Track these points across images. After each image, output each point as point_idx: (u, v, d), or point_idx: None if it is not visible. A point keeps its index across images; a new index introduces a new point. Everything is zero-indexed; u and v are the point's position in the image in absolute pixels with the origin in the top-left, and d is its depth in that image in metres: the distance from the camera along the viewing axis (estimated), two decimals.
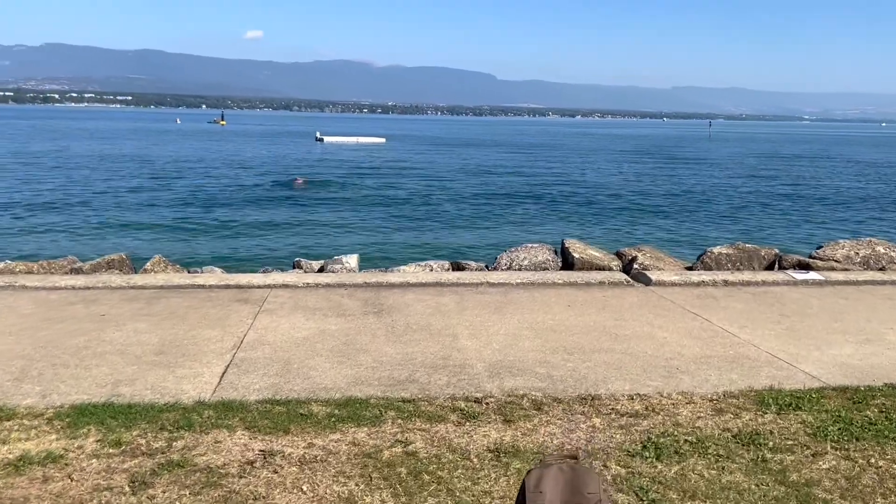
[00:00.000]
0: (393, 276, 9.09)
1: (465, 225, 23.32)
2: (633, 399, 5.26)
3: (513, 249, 10.36)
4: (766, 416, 4.97)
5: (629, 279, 9.32)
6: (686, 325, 7.38)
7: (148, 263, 9.42)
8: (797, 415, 5.00)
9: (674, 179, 43.82)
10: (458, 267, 10.25)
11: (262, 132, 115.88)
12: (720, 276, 9.52)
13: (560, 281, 9.12)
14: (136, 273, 9.38)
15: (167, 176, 38.36)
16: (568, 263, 9.97)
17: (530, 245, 10.45)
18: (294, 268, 10.34)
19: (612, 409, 5.07)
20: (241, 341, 6.45)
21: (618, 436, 4.60)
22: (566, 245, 10.21)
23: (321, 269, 10.02)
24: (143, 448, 4.27)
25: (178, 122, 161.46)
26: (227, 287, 8.57)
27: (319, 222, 23.40)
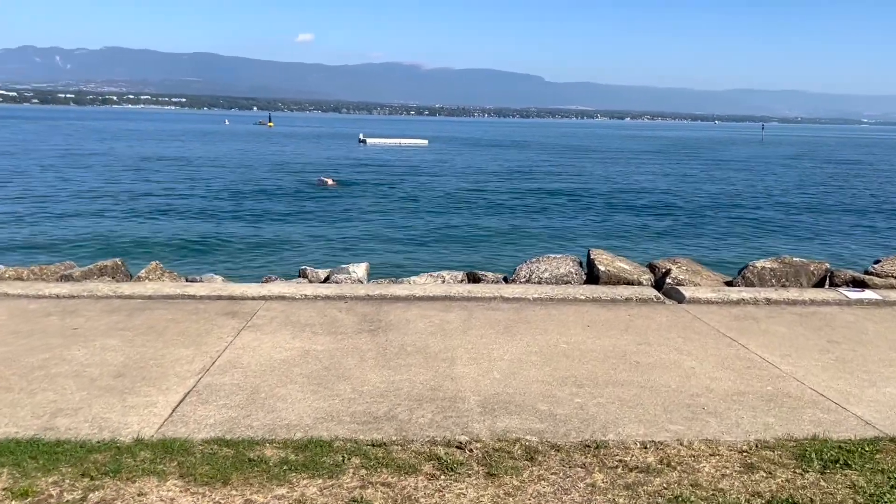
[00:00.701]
0: (398, 289, 8.38)
1: (493, 231, 22.44)
2: (646, 448, 4.44)
3: (533, 260, 9.56)
4: (806, 475, 4.10)
5: (659, 295, 8.43)
6: (719, 351, 6.50)
7: (143, 270, 8.90)
8: (846, 475, 4.12)
9: (720, 184, 42.22)
10: (473, 278, 9.49)
11: (307, 134, 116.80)
12: (762, 293, 8.56)
13: (582, 296, 8.29)
14: (129, 280, 8.88)
15: (202, 177, 38.42)
16: (593, 276, 9.13)
17: (553, 256, 9.63)
18: (299, 276, 9.73)
19: (620, 460, 4.26)
20: (213, 363, 5.82)
21: (621, 499, 3.79)
22: (592, 256, 9.36)
23: (327, 279, 9.38)
24: (52, 500, 3.63)
25: (227, 123, 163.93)
26: (219, 298, 7.98)
27: (341, 225, 22.89)
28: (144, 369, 5.63)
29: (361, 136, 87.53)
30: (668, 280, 9.07)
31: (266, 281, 9.49)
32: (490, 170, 49.16)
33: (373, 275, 9.90)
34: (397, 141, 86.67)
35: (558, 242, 20.31)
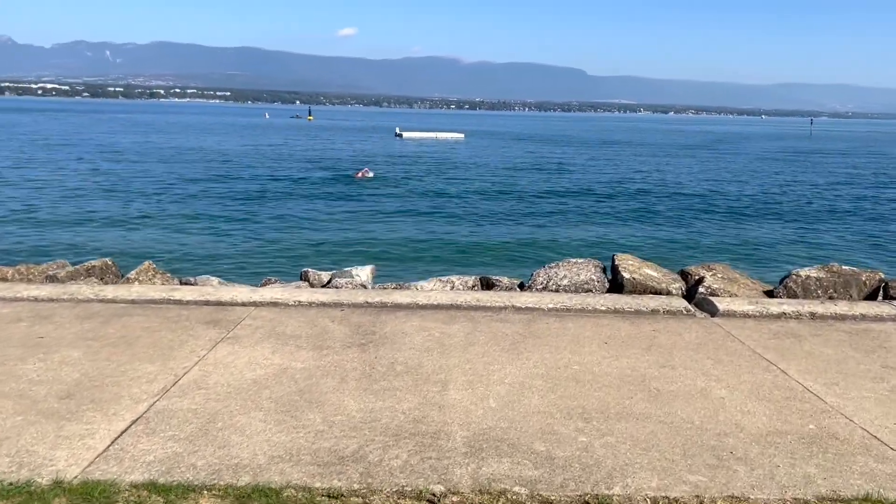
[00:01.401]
0: (401, 295, 7.69)
1: (519, 231, 21.51)
2: None
3: (552, 265, 8.78)
4: None
5: (689, 307, 7.59)
6: (754, 377, 5.67)
7: (133, 272, 8.38)
8: None
9: (765, 182, 40.60)
10: (486, 284, 8.76)
11: (346, 127, 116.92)
12: (806, 306, 7.66)
13: (602, 307, 7.50)
14: (119, 280, 8.36)
15: (232, 169, 38.27)
16: (616, 284, 8.32)
17: (574, 260, 8.84)
18: (300, 279, 9.11)
19: None
20: (176, 382, 5.21)
21: None
22: (616, 262, 8.55)
23: (329, 282, 8.75)
24: None
25: (267, 116, 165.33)
26: (206, 304, 7.40)
27: (362, 222, 22.26)
28: (98, 389, 5.04)
29: (398, 130, 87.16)
30: (701, 289, 8.22)
31: (265, 283, 8.91)
32: (524, 165, 48.20)
33: (381, 278, 9.26)
34: (434, 135, 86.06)
35: (586, 243, 19.36)
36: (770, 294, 8.55)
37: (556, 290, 8.25)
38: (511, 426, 4.62)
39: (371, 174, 35.69)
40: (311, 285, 8.83)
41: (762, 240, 21.93)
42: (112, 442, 4.22)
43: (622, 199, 30.93)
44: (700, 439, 4.51)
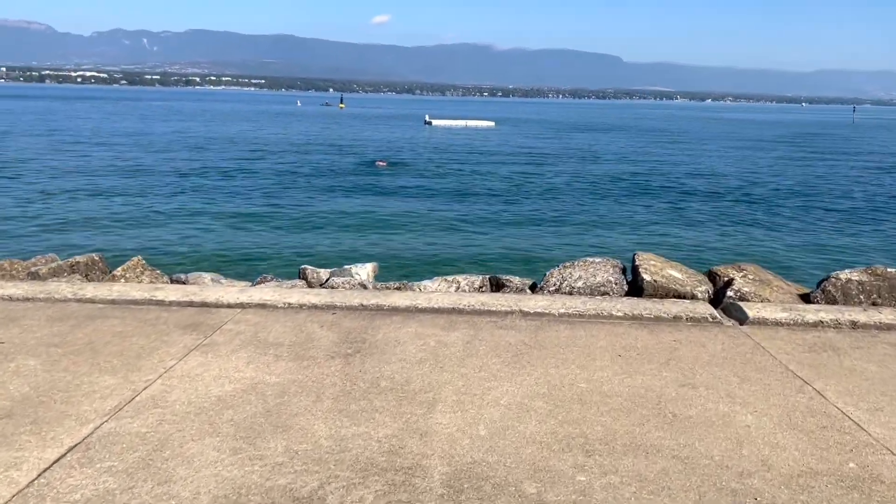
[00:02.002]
0: (399, 297, 7.11)
1: (540, 224, 20.67)
2: None
3: (567, 264, 8.12)
4: None
5: (715, 314, 6.89)
6: (786, 400, 4.98)
7: (119, 268, 7.92)
8: None
9: (804, 173, 39.11)
10: (495, 284, 8.14)
11: (377, 115, 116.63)
12: (846, 313, 6.90)
13: (618, 313, 6.84)
14: (105, 277, 7.92)
15: (255, 158, 38.02)
16: (636, 287, 7.64)
17: (591, 260, 8.16)
18: (299, 276, 8.59)
19: None
20: (133, 398, 4.70)
21: None
22: (637, 262, 7.86)
23: (327, 281, 8.21)
24: None
25: (299, 104, 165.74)
26: (190, 304, 6.90)
27: (375, 213, 21.65)
28: (45, 406, 4.55)
29: (427, 118, 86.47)
30: (730, 293, 7.50)
31: (260, 281, 8.40)
32: (553, 153, 47.28)
33: (386, 275, 8.69)
34: (463, 122, 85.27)
35: (609, 240, 18.46)
36: (806, 299, 7.79)
37: (570, 293, 7.60)
38: (500, 460, 4.02)
39: (384, 163, 35.39)
40: (310, 284, 8.30)
41: (797, 235, 20.88)
42: (39, 475, 3.71)
43: (654, 191, 29.90)
44: (719, 480, 3.87)
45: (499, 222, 21.52)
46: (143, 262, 8.16)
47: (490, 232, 19.71)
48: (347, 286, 7.70)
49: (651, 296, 7.44)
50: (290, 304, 6.93)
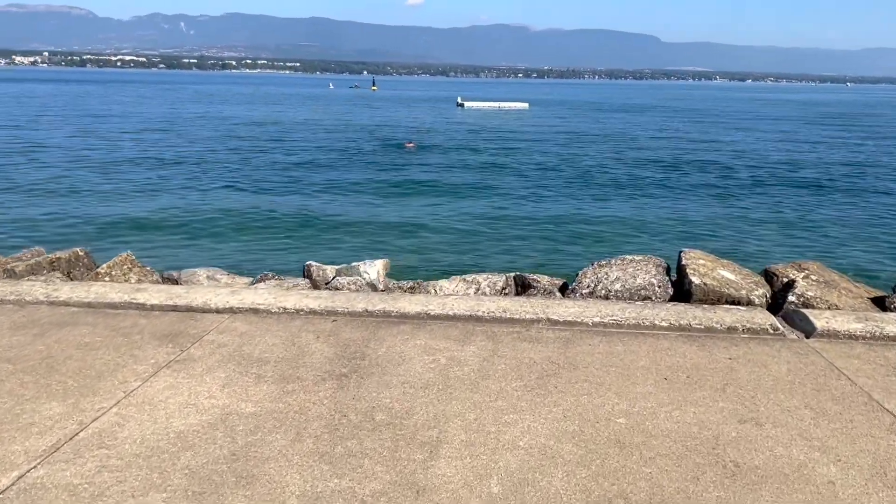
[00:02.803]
0: (409, 302, 6.24)
1: (573, 214, 19.18)
2: None
3: (603, 262, 7.17)
4: None
5: (776, 324, 5.89)
6: (876, 444, 4.01)
7: (104, 265, 7.18)
8: None
9: (857, 157, 37.14)
10: (521, 284, 7.24)
11: (409, 97, 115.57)
12: None
13: (663, 323, 5.88)
14: (90, 273, 7.18)
15: (278, 140, 37.19)
16: (682, 291, 6.66)
17: (630, 258, 7.20)
18: (303, 274, 7.78)
19: None
20: (77, 434, 3.92)
21: None
22: (683, 261, 6.87)
23: (333, 280, 7.38)
24: None
25: (331, 87, 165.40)
26: (174, 309, 6.12)
27: (398, 201, 20.52)
28: None
29: (459, 100, 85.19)
30: (791, 297, 6.49)
31: (261, 280, 7.61)
32: (589, 136, 45.79)
33: (397, 274, 7.84)
34: (497, 104, 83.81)
35: (650, 229, 17.14)
36: (881, 304, 6.74)
37: (606, 297, 6.65)
38: None
39: (412, 145, 34.68)
40: (314, 282, 7.49)
41: (862, 228, 19.25)
42: None
43: (696, 175, 28.26)
44: None
45: (529, 211, 19.89)
46: (133, 257, 7.42)
47: (519, 222, 18.11)
48: (353, 287, 6.86)
49: (700, 301, 6.46)
50: (285, 308, 6.11)
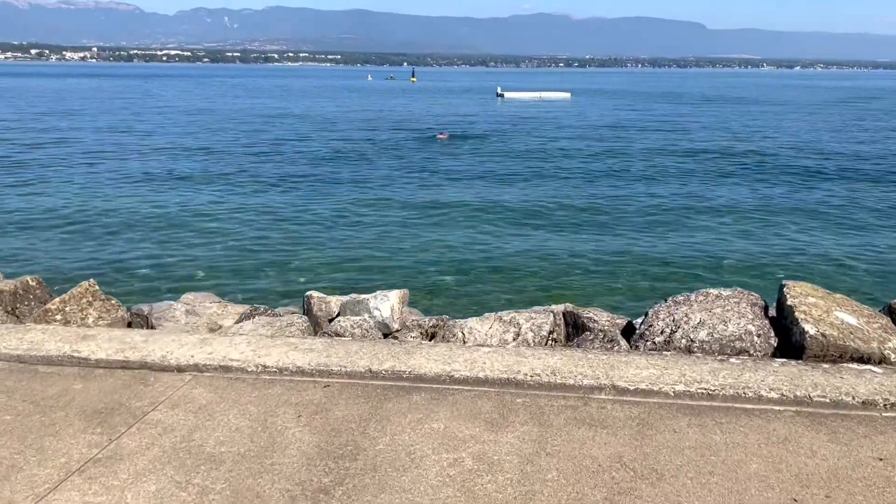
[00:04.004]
0: (426, 357, 4.75)
1: (627, 221, 16.24)
2: None
3: (680, 299, 5.58)
4: None
5: None
6: None
7: (57, 299, 5.84)
8: None
9: None
10: (574, 324, 5.71)
11: (448, 88, 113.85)
12: None
13: (772, 394, 4.30)
14: (41, 308, 5.86)
15: (305, 134, 35.60)
16: (790, 342, 5.04)
17: (714, 292, 5.59)
18: (302, 309, 6.36)
19: None
20: None
21: None
22: (787, 300, 5.24)
23: (336, 317, 5.95)
24: None
25: (370, 78, 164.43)
26: (124, 366, 4.74)
27: (423, 201, 18.24)
28: None
29: (499, 90, 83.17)
30: None
31: (252, 314, 6.21)
32: (637, 127, 43.52)
33: (417, 303, 6.35)
34: (537, 94, 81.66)
35: (725, 241, 14.60)
36: None
37: (688, 349, 5.07)
38: None
39: (445, 136, 33.20)
40: (314, 319, 6.06)
41: None
42: None
43: (765, 173, 25.25)
44: None
45: (573, 217, 17.21)
46: (95, 287, 6.07)
47: (562, 231, 15.35)
48: (358, 331, 5.39)
49: (816, 358, 4.84)
50: (264, 367, 4.68)
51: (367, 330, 5.40)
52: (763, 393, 4.33)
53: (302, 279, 10.46)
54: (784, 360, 4.79)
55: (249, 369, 4.68)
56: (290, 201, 17.70)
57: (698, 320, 5.24)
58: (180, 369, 4.71)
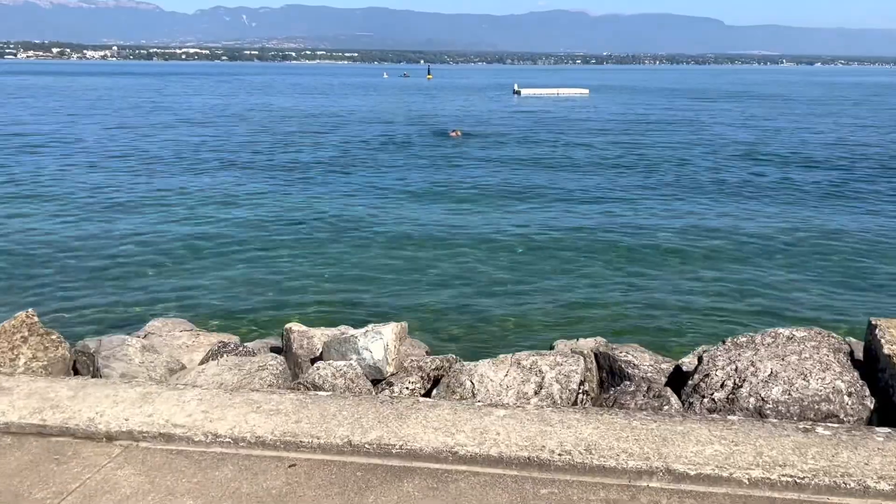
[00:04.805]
0: (423, 425, 3.70)
1: (659, 233, 14.00)
2: None
3: (741, 340, 4.49)
4: None
5: None
6: None
7: None
8: None
9: None
10: (609, 369, 4.65)
11: (464, 85, 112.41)
12: None
13: (882, 485, 3.22)
14: None
15: (310, 134, 33.97)
16: (892, 404, 3.94)
17: (785, 333, 4.49)
18: (282, 346, 5.34)
19: None
20: None
21: None
22: (882, 345, 4.13)
23: (320, 357, 4.92)
24: None
25: (385, 76, 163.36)
26: (39, 433, 3.74)
27: (428, 207, 16.36)
28: None
29: (516, 87, 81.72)
30: None
31: (219, 351, 5.19)
32: (659, 123, 42.03)
33: (417, 329, 5.31)
34: (555, 91, 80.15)
35: (780, 258, 11.98)
36: None
37: (758, 411, 3.98)
38: None
39: (457, 133, 32.04)
40: (293, 359, 5.04)
41: None
42: None
43: (813, 170, 22.94)
44: None
45: (598, 224, 15.31)
46: (34, 319, 5.09)
47: (583, 244, 13.41)
48: (342, 382, 4.35)
49: None
50: (215, 436, 3.65)
51: (352, 380, 4.36)
52: (870, 483, 3.24)
53: (290, 298, 9.23)
54: (889, 430, 3.68)
55: (196, 439, 3.65)
56: (282, 212, 15.89)
57: (769, 372, 4.14)
58: (110, 437, 3.70)
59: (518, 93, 78.29)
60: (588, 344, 5.20)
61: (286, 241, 13.50)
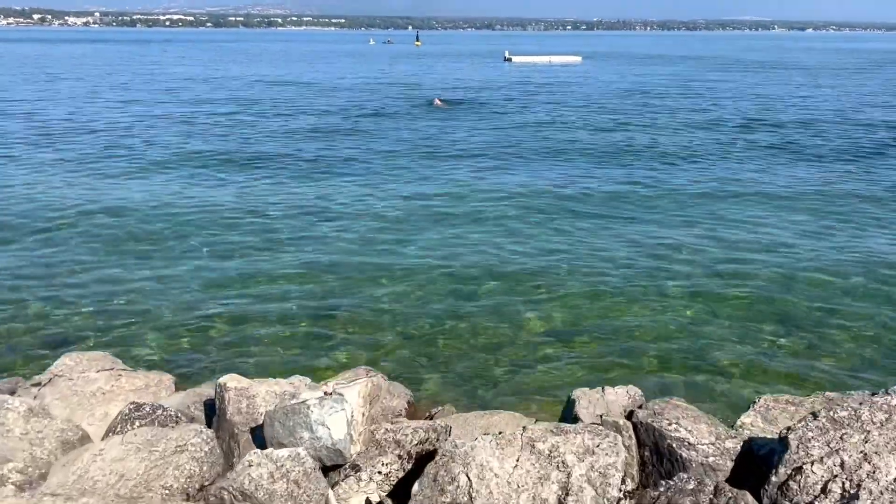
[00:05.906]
0: None
1: (679, 232, 11.44)
2: None
3: (843, 415, 3.23)
4: None
5: None
6: None
7: None
8: None
9: None
10: (657, 452, 3.38)
11: (455, 52, 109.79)
12: None
13: None
14: None
15: (281, 103, 31.83)
16: None
17: (891, 401, 3.23)
18: (214, 406, 4.05)
19: None
20: None
21: None
22: None
23: (261, 427, 3.63)
24: None
25: (372, 42, 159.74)
26: None
27: (404, 198, 13.38)
28: None
29: (507, 54, 79.55)
30: None
31: (130, 415, 3.90)
32: (657, 91, 40.41)
33: (402, 373, 4.05)
34: (547, 58, 78.07)
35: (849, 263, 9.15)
36: None
37: None
38: None
39: (440, 102, 30.40)
40: (230, 429, 3.76)
41: None
42: None
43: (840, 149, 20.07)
44: None
45: (598, 210, 13.41)
46: None
47: (602, 239, 11.33)
48: (282, 485, 3.07)
49: None
50: None
51: (296, 482, 3.08)
52: None
53: (239, 325, 7.57)
54: None
55: None
56: (244, 202, 13.14)
57: (887, 465, 2.90)
58: None
59: (509, 60, 76.30)
60: (619, 400, 3.95)
61: (246, 242, 11.36)
